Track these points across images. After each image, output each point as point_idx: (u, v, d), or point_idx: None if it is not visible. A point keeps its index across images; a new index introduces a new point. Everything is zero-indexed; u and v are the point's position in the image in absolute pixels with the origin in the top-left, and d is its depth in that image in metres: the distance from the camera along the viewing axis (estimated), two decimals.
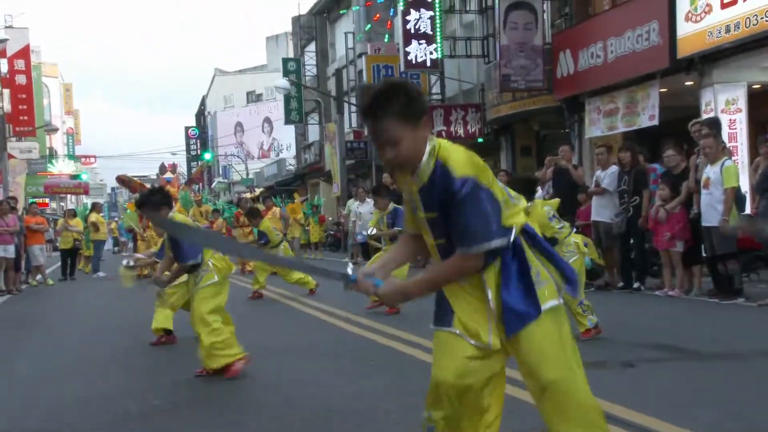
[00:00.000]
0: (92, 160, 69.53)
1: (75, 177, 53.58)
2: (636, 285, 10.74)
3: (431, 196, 2.80)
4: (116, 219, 30.58)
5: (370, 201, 18.55)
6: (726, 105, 12.76)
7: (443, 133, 21.67)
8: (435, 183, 2.77)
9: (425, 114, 2.81)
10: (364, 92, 2.88)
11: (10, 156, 34.42)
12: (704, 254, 9.82)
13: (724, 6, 12.20)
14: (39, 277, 18.02)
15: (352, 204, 19.09)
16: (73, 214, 21.41)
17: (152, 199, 6.30)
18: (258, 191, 21.06)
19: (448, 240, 2.82)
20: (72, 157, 61.64)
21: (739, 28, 11.91)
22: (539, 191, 13.13)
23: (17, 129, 39.22)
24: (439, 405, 2.85)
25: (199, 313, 5.89)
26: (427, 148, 2.78)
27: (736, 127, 12.58)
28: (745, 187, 10.65)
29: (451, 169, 2.72)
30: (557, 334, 2.82)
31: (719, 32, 12.31)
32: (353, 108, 31.41)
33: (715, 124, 10.23)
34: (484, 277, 2.82)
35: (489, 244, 2.73)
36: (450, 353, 2.84)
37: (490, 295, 2.82)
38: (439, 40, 21.21)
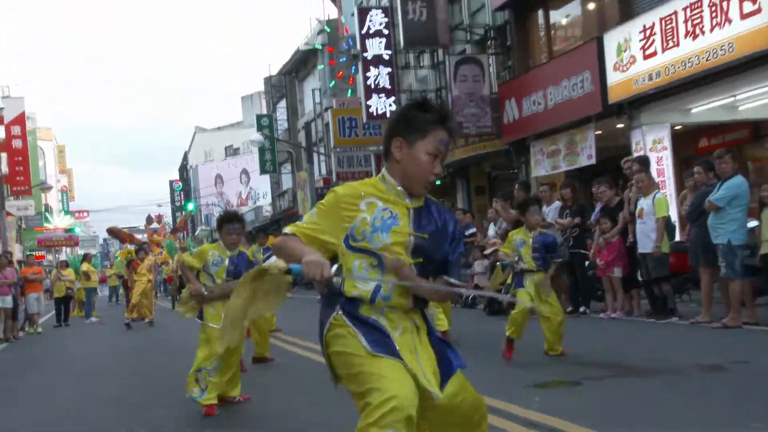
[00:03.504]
0: (85, 214, 68.72)
1: (69, 231, 53.00)
2: (582, 309, 10.79)
3: (426, 218, 2.79)
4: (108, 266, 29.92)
5: None
6: (653, 144, 13.00)
7: None
8: (431, 208, 2.85)
9: None
10: (444, 106, 2.96)
11: (8, 214, 33.96)
12: (640, 278, 9.92)
13: (646, 57, 12.48)
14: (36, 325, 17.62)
15: None
16: (65, 264, 21.07)
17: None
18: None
19: (427, 260, 2.74)
20: (67, 212, 60.92)
21: (659, 76, 12.18)
22: (491, 228, 13.24)
23: (14, 189, 38.84)
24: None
25: None
26: None
27: (663, 163, 12.78)
28: (674, 216, 10.82)
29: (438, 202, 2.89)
30: None
31: (643, 80, 12.58)
32: (322, 157, 31.51)
33: (645, 161, 10.41)
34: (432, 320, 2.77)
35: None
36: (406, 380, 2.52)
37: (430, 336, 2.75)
38: (397, 94, 21.39)
